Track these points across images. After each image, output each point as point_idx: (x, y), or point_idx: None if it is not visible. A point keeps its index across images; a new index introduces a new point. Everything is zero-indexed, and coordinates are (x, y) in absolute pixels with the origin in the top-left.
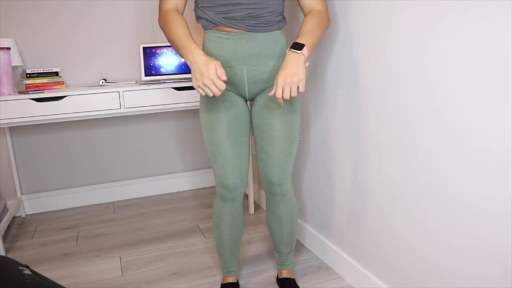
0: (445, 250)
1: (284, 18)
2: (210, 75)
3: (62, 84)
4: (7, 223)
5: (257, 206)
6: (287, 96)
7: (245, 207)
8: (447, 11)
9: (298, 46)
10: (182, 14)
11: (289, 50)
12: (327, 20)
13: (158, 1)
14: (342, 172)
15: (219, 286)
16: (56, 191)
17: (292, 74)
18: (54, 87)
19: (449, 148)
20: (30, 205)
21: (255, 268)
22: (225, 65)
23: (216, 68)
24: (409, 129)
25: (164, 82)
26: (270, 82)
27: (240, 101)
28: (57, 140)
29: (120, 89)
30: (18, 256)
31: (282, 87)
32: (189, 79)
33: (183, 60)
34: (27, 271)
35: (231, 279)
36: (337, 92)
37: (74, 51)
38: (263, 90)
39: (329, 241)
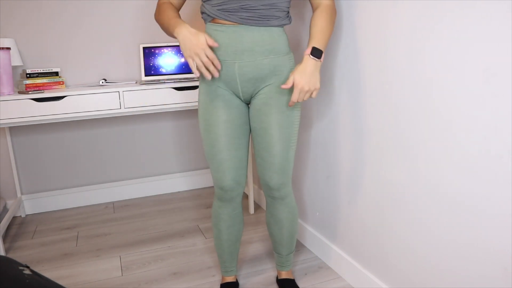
0: (445, 250)
1: (288, 16)
2: (200, 45)
3: (62, 84)
4: (7, 223)
5: (257, 206)
6: (301, 100)
7: (245, 207)
8: (447, 11)
9: (317, 53)
10: (178, 10)
11: (310, 56)
12: (335, 13)
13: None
14: (342, 172)
15: (219, 286)
16: (56, 191)
17: (311, 83)
18: (54, 87)
19: (449, 148)
20: (30, 205)
21: (255, 268)
22: (218, 59)
23: (206, 38)
24: (409, 129)
25: (164, 82)
26: (264, 83)
27: (236, 101)
28: (57, 140)
29: (120, 89)
30: (18, 256)
31: (299, 93)
32: (189, 79)
33: (183, 60)
34: (27, 271)
35: (229, 279)
36: (337, 92)
37: (74, 51)
38: (258, 92)
39: (329, 241)
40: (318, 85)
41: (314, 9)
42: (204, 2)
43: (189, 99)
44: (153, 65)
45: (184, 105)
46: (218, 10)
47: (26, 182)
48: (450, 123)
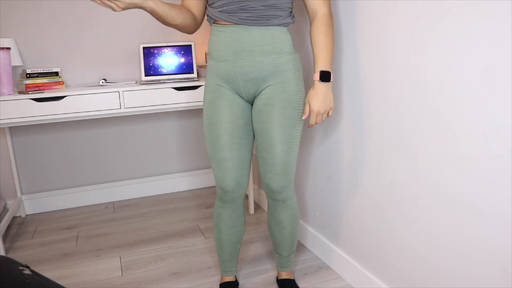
0: (445, 250)
1: (291, 16)
2: None
3: (62, 84)
4: (7, 223)
5: (257, 206)
6: (319, 122)
7: (245, 207)
8: (447, 11)
9: (326, 77)
10: (195, 14)
11: (319, 81)
12: (332, 20)
13: None
14: (342, 172)
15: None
16: (56, 191)
17: (325, 105)
18: (54, 87)
19: (449, 148)
20: (30, 205)
21: (255, 268)
22: (220, 59)
23: None
24: (409, 129)
25: (164, 82)
26: (266, 83)
27: (240, 101)
28: (57, 140)
29: (120, 89)
30: (18, 256)
31: (315, 117)
32: (189, 79)
33: (183, 60)
34: (27, 271)
35: (228, 278)
36: (337, 92)
37: (74, 51)
38: (260, 92)
39: (329, 241)
40: (332, 104)
41: (311, 19)
42: (208, 5)
43: (189, 99)
44: (153, 65)
45: (184, 105)
46: (219, 12)
47: (26, 182)
48: (450, 123)
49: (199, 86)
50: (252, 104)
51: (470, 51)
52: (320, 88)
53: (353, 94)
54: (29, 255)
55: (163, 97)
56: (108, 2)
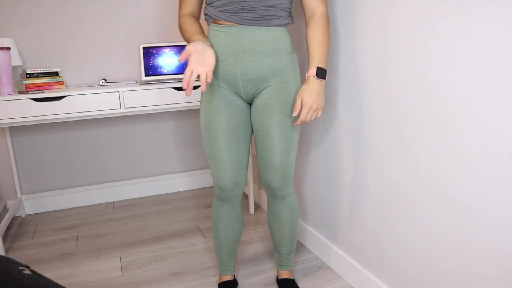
0: (445, 250)
1: (290, 16)
2: (207, 66)
3: (62, 84)
4: (7, 223)
5: (257, 206)
6: (309, 120)
7: (245, 207)
8: (447, 11)
9: (322, 74)
10: (198, 18)
11: (315, 77)
12: (328, 20)
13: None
14: (342, 172)
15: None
16: (56, 191)
17: (318, 102)
18: (54, 87)
19: (449, 148)
20: (30, 205)
21: (255, 268)
22: (220, 59)
23: (213, 64)
24: (409, 129)
25: (164, 82)
26: (266, 83)
27: (238, 101)
28: (57, 140)
29: (120, 89)
30: (18, 256)
31: (307, 112)
32: None
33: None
34: (27, 271)
35: (227, 278)
36: (337, 92)
37: (74, 51)
38: (260, 92)
39: (329, 241)
40: (323, 104)
41: (307, 18)
42: (207, 4)
43: (189, 99)
44: (153, 65)
45: (184, 105)
46: (219, 11)
47: (26, 182)
48: (450, 123)
49: (199, 86)
50: (250, 104)
51: (470, 51)
52: (315, 84)
53: (353, 93)
54: (29, 255)
55: (163, 97)
56: (194, 78)
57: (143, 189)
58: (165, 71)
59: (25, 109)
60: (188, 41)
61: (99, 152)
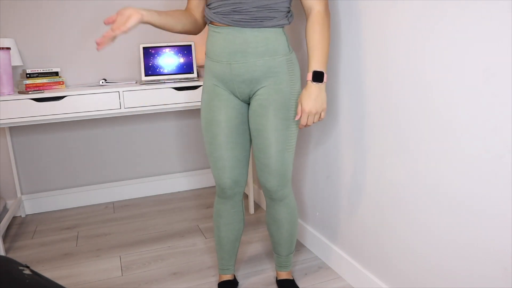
0: (445, 250)
1: (287, 17)
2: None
3: (62, 84)
4: (7, 223)
5: (257, 206)
6: (310, 124)
7: (245, 207)
8: (447, 11)
9: (319, 77)
10: (197, 17)
11: (312, 82)
12: (329, 17)
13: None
14: (342, 172)
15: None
16: (56, 191)
17: (317, 106)
18: (54, 87)
19: (449, 148)
20: (30, 205)
21: (255, 268)
22: (216, 60)
23: (127, 14)
24: (409, 129)
25: (164, 82)
26: (260, 84)
27: (235, 101)
28: (57, 140)
29: (120, 89)
30: (18, 256)
31: (308, 117)
32: (190, 79)
33: (183, 60)
34: (27, 271)
35: (226, 277)
36: (337, 92)
37: (74, 51)
38: (255, 93)
39: (329, 241)
40: (325, 105)
41: (306, 15)
42: (206, 6)
43: (189, 99)
44: (153, 65)
45: (184, 105)
46: (214, 13)
47: (26, 182)
48: (450, 123)
49: (199, 86)
50: (248, 104)
51: (470, 51)
52: (313, 88)
53: (353, 94)
54: (29, 255)
55: (163, 97)
56: (108, 35)
57: (143, 189)
58: (165, 71)
59: (25, 109)
60: None
61: (99, 152)
